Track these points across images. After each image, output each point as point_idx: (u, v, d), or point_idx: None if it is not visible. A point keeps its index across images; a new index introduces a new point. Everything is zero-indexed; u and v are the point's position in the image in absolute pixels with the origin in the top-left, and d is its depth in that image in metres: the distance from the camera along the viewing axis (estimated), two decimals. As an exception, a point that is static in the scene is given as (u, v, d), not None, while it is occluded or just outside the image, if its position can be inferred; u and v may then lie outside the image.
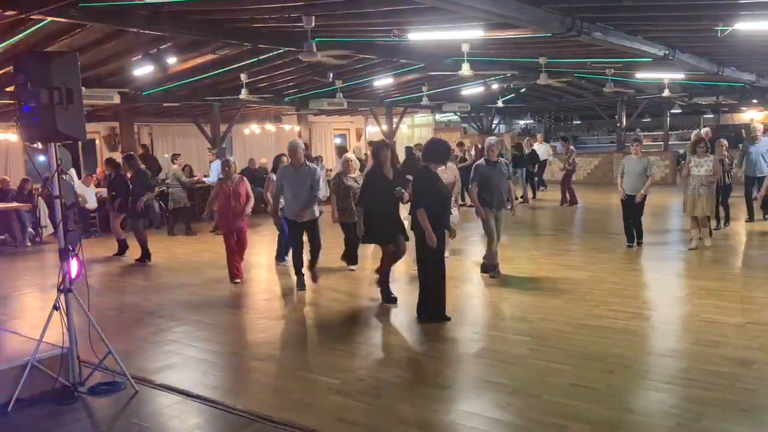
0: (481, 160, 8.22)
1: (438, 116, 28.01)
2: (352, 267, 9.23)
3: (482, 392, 4.89)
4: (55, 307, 4.85)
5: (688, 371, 5.05)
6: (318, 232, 8.22)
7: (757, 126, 12.41)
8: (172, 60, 10.96)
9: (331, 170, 17.14)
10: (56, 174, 4.75)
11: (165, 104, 15.22)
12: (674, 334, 6.09)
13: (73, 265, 4.92)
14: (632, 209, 9.77)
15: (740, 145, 13.36)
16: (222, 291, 8.49)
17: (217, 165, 13.54)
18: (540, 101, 23.68)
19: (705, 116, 26.79)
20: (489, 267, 8.31)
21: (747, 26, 7.07)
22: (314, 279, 8.24)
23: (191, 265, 10.39)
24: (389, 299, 7.27)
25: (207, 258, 10.89)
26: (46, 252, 12.26)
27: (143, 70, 10.80)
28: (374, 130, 23.83)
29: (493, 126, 25.39)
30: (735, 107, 24.52)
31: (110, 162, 11.59)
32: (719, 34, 7.30)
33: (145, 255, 10.57)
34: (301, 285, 8.16)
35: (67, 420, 4.60)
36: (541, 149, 19.04)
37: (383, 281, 7.32)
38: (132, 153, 12.70)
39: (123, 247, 11.16)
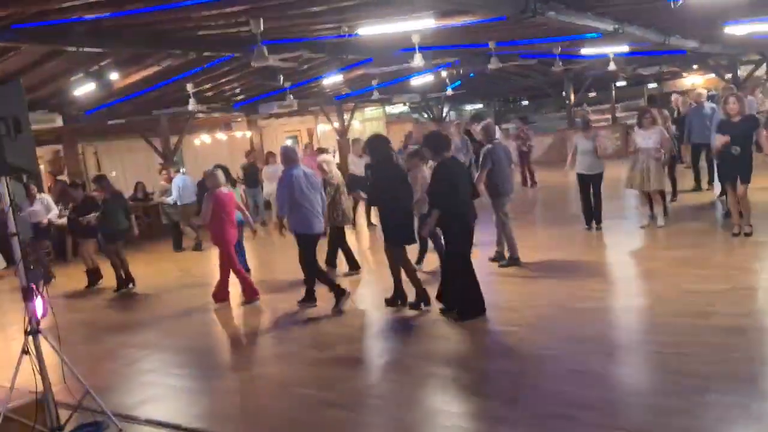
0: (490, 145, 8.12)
1: (388, 108, 27.87)
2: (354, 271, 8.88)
3: (481, 391, 4.77)
4: (24, 351, 4.53)
5: (681, 346, 5.01)
6: None
7: (700, 92, 12.21)
8: (114, 76, 10.56)
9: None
10: (10, 209, 4.43)
11: (110, 122, 14.67)
12: (661, 308, 6.06)
13: (38, 305, 4.60)
14: (589, 188, 9.58)
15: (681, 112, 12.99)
16: (195, 311, 8.16)
17: (180, 180, 12.98)
18: (489, 85, 23.74)
19: (649, 85, 27.29)
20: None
21: (699, -6, 7.11)
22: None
23: (157, 285, 9.99)
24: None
25: (174, 277, 10.53)
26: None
27: (85, 89, 10.35)
28: (326, 129, 23.56)
29: (444, 114, 25.39)
30: (677, 74, 25.05)
31: (74, 185, 10.90)
32: (673, 5, 7.32)
33: (128, 279, 9.84)
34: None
35: (49, 470, 4.31)
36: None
37: None
38: (103, 174, 12.14)
39: (98, 276, 10.52)
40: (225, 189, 8.37)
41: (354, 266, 8.93)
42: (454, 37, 11.73)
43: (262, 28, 7.60)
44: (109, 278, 10.02)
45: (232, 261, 8.09)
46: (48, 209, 11.05)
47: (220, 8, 7.14)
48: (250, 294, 8.07)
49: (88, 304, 9.52)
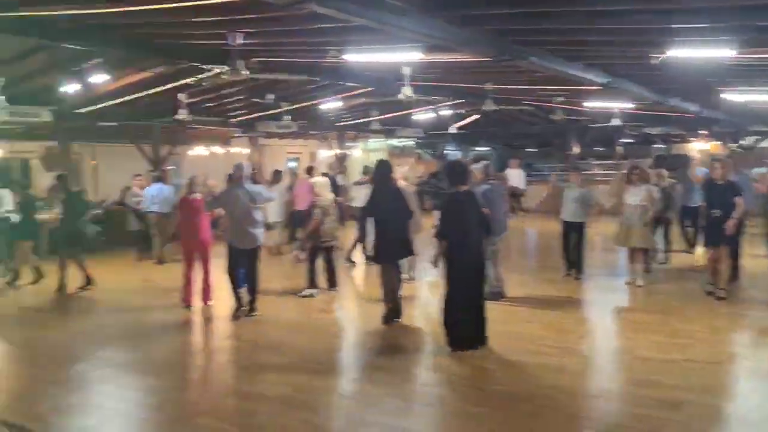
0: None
1: (393, 141, 27.75)
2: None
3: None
4: None
5: (617, 415, 4.74)
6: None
7: (694, 156, 12.03)
8: (102, 78, 10.45)
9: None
10: None
11: (100, 123, 14.54)
12: (606, 373, 5.79)
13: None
14: (570, 237, 9.55)
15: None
16: (141, 323, 7.90)
17: (154, 189, 12.87)
18: (494, 129, 23.62)
19: (655, 146, 27.09)
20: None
21: (680, 53, 6.85)
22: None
23: (117, 293, 9.72)
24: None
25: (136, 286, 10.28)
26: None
27: (71, 87, 10.27)
28: (328, 154, 23.45)
29: (447, 152, 25.29)
30: (684, 137, 24.87)
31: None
32: (651, 62, 7.13)
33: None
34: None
35: None
36: (515, 175, 18.08)
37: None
38: (64, 173, 12.02)
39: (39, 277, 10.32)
40: (197, 195, 8.55)
41: (333, 284, 9.08)
42: (452, 75, 11.60)
43: (240, 41, 7.48)
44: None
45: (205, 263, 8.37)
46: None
47: (198, 17, 7.00)
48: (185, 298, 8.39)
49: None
